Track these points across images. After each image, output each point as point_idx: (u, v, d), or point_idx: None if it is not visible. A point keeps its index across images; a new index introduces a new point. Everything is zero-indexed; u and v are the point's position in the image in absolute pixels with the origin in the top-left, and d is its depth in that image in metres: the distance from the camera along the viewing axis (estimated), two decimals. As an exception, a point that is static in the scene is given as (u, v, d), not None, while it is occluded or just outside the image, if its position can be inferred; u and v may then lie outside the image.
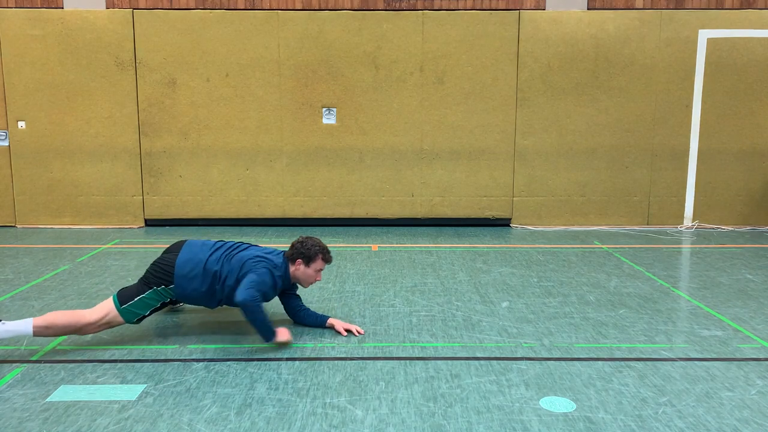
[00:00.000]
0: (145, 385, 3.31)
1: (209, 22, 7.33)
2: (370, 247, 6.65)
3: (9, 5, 7.67)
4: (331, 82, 7.44)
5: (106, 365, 3.57)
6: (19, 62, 7.31)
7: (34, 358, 3.66)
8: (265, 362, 3.61)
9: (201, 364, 3.59)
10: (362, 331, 4.06)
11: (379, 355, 3.72)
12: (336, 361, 3.63)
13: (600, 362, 3.62)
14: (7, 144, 7.46)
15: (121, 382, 3.34)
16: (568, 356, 3.70)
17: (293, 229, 7.56)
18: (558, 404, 3.12)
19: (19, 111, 7.40)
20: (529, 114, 7.52)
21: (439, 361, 3.63)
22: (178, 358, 3.68)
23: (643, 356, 3.72)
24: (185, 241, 4.05)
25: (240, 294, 3.67)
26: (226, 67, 7.39)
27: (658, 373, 3.49)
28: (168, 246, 4.09)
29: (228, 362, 3.60)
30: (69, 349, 3.81)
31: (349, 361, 3.63)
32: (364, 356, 3.71)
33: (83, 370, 3.50)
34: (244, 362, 3.60)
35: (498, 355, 3.72)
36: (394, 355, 3.72)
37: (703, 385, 3.35)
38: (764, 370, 3.53)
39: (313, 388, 3.28)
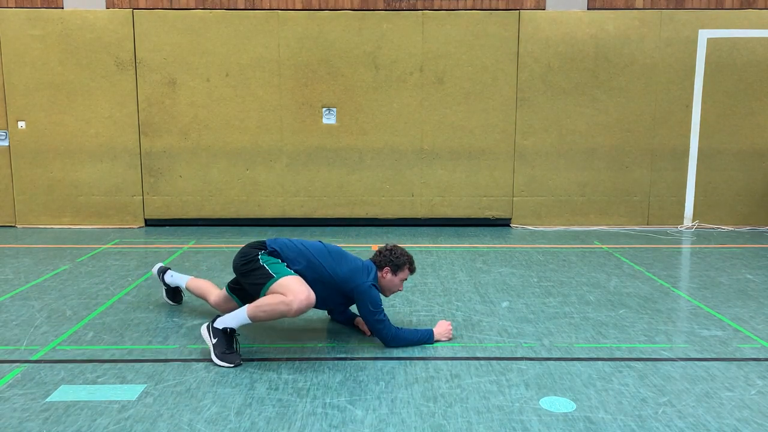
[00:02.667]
0: (145, 385, 3.31)
1: (209, 22, 7.33)
2: (370, 247, 6.65)
3: (9, 5, 7.67)
4: (331, 82, 7.44)
5: (106, 365, 3.57)
6: (19, 62, 7.31)
7: (34, 358, 3.66)
8: (265, 362, 3.61)
9: (201, 364, 3.58)
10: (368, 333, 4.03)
11: (379, 355, 3.72)
12: (336, 361, 3.63)
13: (600, 362, 3.62)
14: (7, 144, 7.46)
15: (121, 382, 3.34)
16: (568, 356, 3.70)
17: (293, 229, 7.56)
18: (558, 404, 3.12)
19: (19, 111, 7.40)
20: (529, 114, 7.52)
21: (439, 361, 3.63)
22: (178, 358, 3.68)
23: (643, 356, 3.72)
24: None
25: (383, 338, 3.76)
26: (226, 67, 7.39)
27: (658, 373, 3.49)
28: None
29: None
30: (69, 349, 3.82)
31: (349, 361, 3.63)
32: (364, 356, 3.71)
33: (83, 370, 3.50)
34: (244, 362, 3.60)
35: (498, 355, 3.72)
36: (394, 355, 3.72)
37: (703, 385, 3.35)
38: (764, 370, 3.53)
39: (313, 388, 3.28)
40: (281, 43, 7.38)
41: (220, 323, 3.59)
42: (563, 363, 3.61)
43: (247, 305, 3.60)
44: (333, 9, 7.67)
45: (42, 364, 3.58)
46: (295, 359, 3.65)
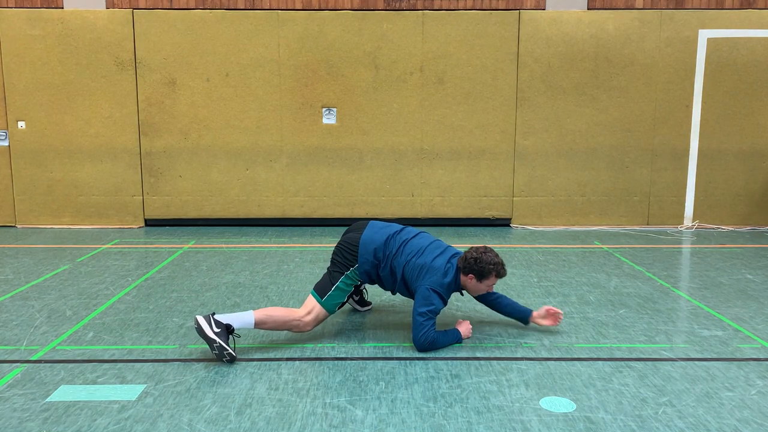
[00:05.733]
0: (145, 385, 3.31)
1: (209, 22, 7.33)
2: (370, 247, 6.64)
3: (9, 5, 7.67)
4: (331, 82, 7.44)
5: (106, 365, 3.57)
6: (19, 62, 7.31)
7: (34, 358, 3.66)
8: (265, 362, 3.61)
9: (201, 364, 3.58)
10: (561, 315, 4.06)
11: (379, 355, 3.72)
12: (336, 361, 3.63)
13: (600, 362, 3.62)
14: (7, 144, 7.46)
15: (121, 382, 3.34)
16: (568, 356, 3.70)
17: (293, 229, 7.56)
18: (558, 404, 3.12)
19: (19, 111, 7.40)
20: (529, 114, 7.52)
21: (439, 361, 3.62)
22: (178, 358, 3.68)
23: (643, 356, 3.72)
24: (369, 221, 4.10)
25: (415, 339, 3.74)
26: (226, 67, 7.39)
27: (658, 373, 3.49)
28: (348, 226, 4.15)
29: (228, 362, 3.60)
30: (69, 349, 3.82)
31: (349, 361, 3.63)
32: (364, 356, 3.71)
33: (83, 370, 3.50)
34: (244, 362, 3.60)
35: (498, 355, 3.72)
36: (394, 355, 3.72)
37: (703, 385, 3.35)
38: (764, 370, 3.53)
39: (313, 388, 3.28)
40: (281, 43, 7.38)
41: (225, 318, 3.63)
42: (563, 363, 3.61)
43: (252, 311, 3.72)
44: (333, 9, 7.67)
45: (42, 364, 3.58)
46: (295, 359, 3.65)
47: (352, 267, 3.92)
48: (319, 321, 3.89)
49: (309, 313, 3.83)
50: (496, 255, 3.81)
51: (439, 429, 2.88)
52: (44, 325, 4.21)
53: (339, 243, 4.02)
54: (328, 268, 4.01)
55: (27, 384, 3.32)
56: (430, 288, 3.74)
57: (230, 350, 3.54)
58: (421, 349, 3.74)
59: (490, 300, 4.15)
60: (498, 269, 3.78)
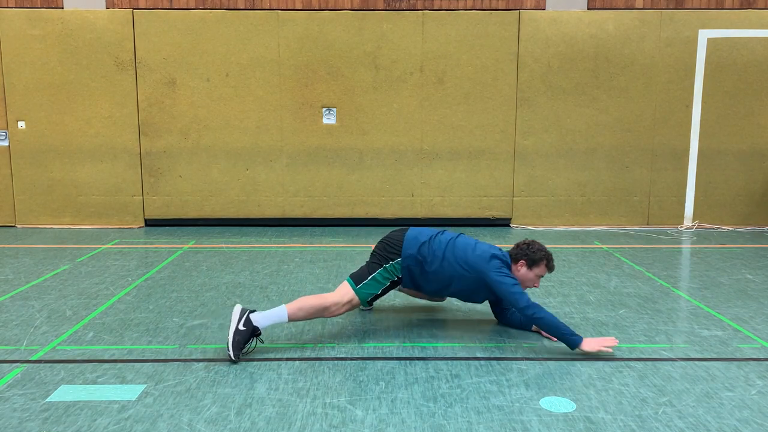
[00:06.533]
0: (145, 385, 3.31)
1: (209, 22, 7.33)
2: (371, 247, 6.64)
3: (9, 5, 7.67)
4: (331, 82, 7.44)
5: (106, 365, 3.57)
6: (19, 62, 7.31)
7: (34, 358, 3.66)
8: (265, 362, 3.60)
9: (201, 364, 3.58)
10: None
11: (379, 355, 3.72)
12: (336, 361, 3.63)
13: (600, 362, 3.62)
14: (7, 144, 7.46)
15: (121, 382, 3.34)
16: (568, 356, 3.70)
17: (293, 229, 7.56)
18: (558, 404, 3.12)
19: (19, 111, 7.40)
20: (529, 114, 7.52)
21: (439, 361, 3.62)
22: (178, 358, 3.68)
23: (643, 356, 3.72)
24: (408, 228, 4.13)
25: (516, 303, 3.68)
26: (226, 67, 7.39)
27: (658, 373, 3.49)
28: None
29: (228, 362, 3.60)
30: (69, 349, 3.82)
31: (349, 361, 3.63)
32: (364, 356, 3.71)
33: (83, 370, 3.50)
34: (244, 362, 3.60)
35: (498, 355, 3.72)
36: (394, 355, 3.72)
37: (703, 385, 3.35)
38: (764, 370, 3.53)
39: (313, 388, 3.28)
40: (281, 43, 7.38)
41: (256, 320, 3.64)
42: (563, 363, 3.61)
43: (285, 306, 3.74)
44: (333, 9, 7.67)
45: (42, 364, 3.58)
46: (295, 359, 3.65)
47: (394, 260, 3.90)
48: (351, 307, 3.88)
49: (342, 297, 3.82)
50: (545, 247, 3.91)
51: (439, 429, 2.88)
52: (44, 325, 4.21)
53: (381, 240, 4.03)
54: (367, 261, 4.00)
55: (27, 384, 3.32)
56: (500, 271, 3.77)
57: (232, 352, 3.55)
58: (528, 318, 3.69)
59: (502, 307, 4.19)
60: (548, 258, 3.87)
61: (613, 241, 6.95)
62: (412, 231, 4.01)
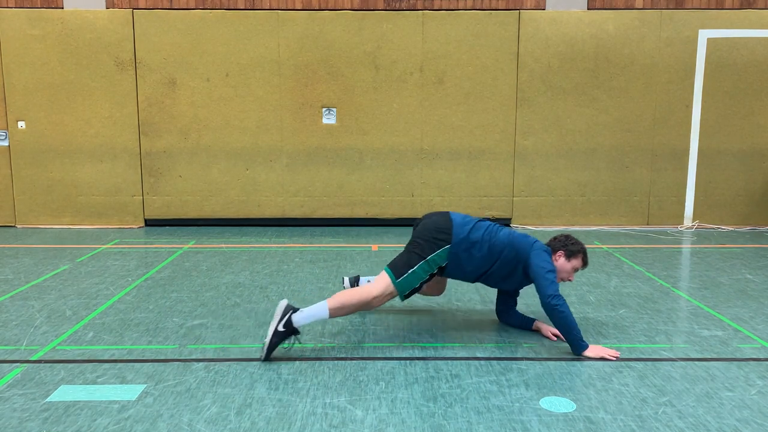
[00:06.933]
0: (145, 385, 3.31)
1: (209, 22, 7.33)
2: (370, 247, 6.65)
3: (9, 5, 7.67)
4: (331, 82, 7.44)
5: (106, 365, 3.57)
6: (19, 62, 7.31)
7: (34, 358, 3.66)
8: (265, 362, 3.60)
9: (201, 364, 3.58)
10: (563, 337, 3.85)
11: (379, 355, 3.72)
12: (336, 361, 3.63)
13: (600, 362, 3.62)
14: (7, 144, 7.46)
15: (121, 382, 3.34)
16: (568, 356, 3.70)
17: (293, 229, 7.56)
18: (558, 404, 3.12)
19: (19, 111, 7.40)
20: (529, 114, 7.52)
21: (439, 361, 3.62)
22: (178, 358, 3.68)
23: (643, 356, 3.72)
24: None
25: (544, 291, 3.63)
26: (226, 67, 7.39)
27: (658, 373, 3.49)
28: (419, 218, 4.09)
29: (228, 362, 3.60)
30: (69, 349, 3.82)
31: (349, 361, 3.63)
32: (364, 356, 3.71)
33: (83, 370, 3.50)
34: (244, 362, 3.60)
35: (498, 355, 3.72)
36: (394, 355, 3.72)
37: (703, 385, 3.35)
38: (764, 370, 3.53)
39: (313, 388, 3.28)
40: (281, 43, 7.38)
41: (298, 321, 3.60)
42: (563, 363, 3.61)
43: (325, 301, 3.69)
44: (333, 9, 7.67)
45: (42, 364, 3.58)
46: (295, 359, 3.65)
47: (442, 247, 3.79)
48: (392, 297, 3.79)
49: (384, 291, 3.72)
50: (581, 242, 3.96)
51: (439, 429, 2.88)
52: (44, 325, 4.21)
53: (423, 227, 3.89)
54: (407, 249, 3.85)
55: (27, 384, 3.32)
56: (541, 254, 3.77)
57: (265, 353, 3.56)
58: (548, 308, 3.61)
59: (509, 305, 4.18)
60: (585, 253, 3.91)
61: (613, 241, 6.95)
62: (457, 216, 3.91)
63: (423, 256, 3.78)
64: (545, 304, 3.62)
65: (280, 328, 3.57)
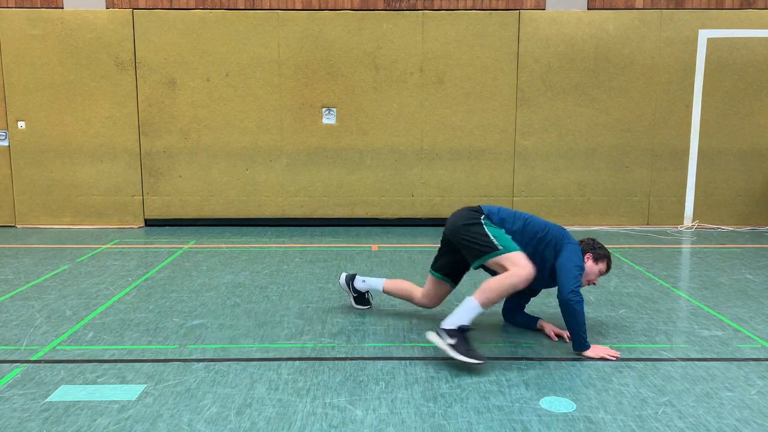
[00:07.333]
0: (145, 385, 3.31)
1: (209, 22, 7.33)
2: (370, 247, 6.65)
3: (9, 5, 7.67)
4: (331, 82, 7.44)
5: (106, 365, 3.57)
6: (19, 62, 7.31)
7: (34, 358, 3.66)
8: (265, 362, 3.61)
9: (201, 364, 3.59)
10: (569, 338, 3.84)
11: (379, 355, 3.72)
12: (336, 361, 3.63)
13: (600, 362, 3.62)
14: (7, 144, 7.46)
15: (121, 382, 3.34)
16: (568, 356, 3.70)
17: (293, 229, 7.56)
18: (558, 404, 3.12)
19: (19, 111, 7.40)
20: (529, 114, 7.52)
21: (439, 361, 3.62)
22: (178, 358, 3.68)
23: (643, 356, 3.72)
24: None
25: (567, 285, 3.57)
26: (226, 67, 7.40)
27: (658, 373, 3.49)
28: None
29: (228, 362, 3.60)
30: (69, 349, 3.82)
31: (349, 361, 3.63)
32: (364, 356, 3.71)
33: (83, 370, 3.50)
34: (244, 362, 3.60)
35: (498, 355, 3.72)
36: (394, 355, 3.72)
37: (703, 385, 3.35)
38: (764, 370, 3.53)
39: (313, 388, 3.28)
40: (281, 43, 7.38)
41: (451, 323, 3.52)
42: (563, 363, 3.61)
43: (470, 297, 3.55)
44: (333, 9, 7.67)
45: (42, 364, 3.58)
46: (295, 359, 3.65)
47: (480, 217, 3.74)
48: (526, 266, 3.55)
49: (525, 265, 3.54)
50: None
51: (439, 429, 2.88)
52: (44, 325, 4.21)
53: (452, 222, 3.86)
54: (462, 240, 3.76)
55: (27, 384, 3.32)
56: (575, 250, 3.75)
57: (473, 360, 3.41)
58: (565, 301, 3.55)
59: (520, 304, 4.17)
60: (610, 258, 3.91)
61: (613, 241, 6.95)
62: (486, 206, 3.88)
63: (479, 222, 3.73)
64: (564, 297, 3.56)
65: (450, 341, 3.46)
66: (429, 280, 4.20)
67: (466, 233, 3.76)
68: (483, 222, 3.75)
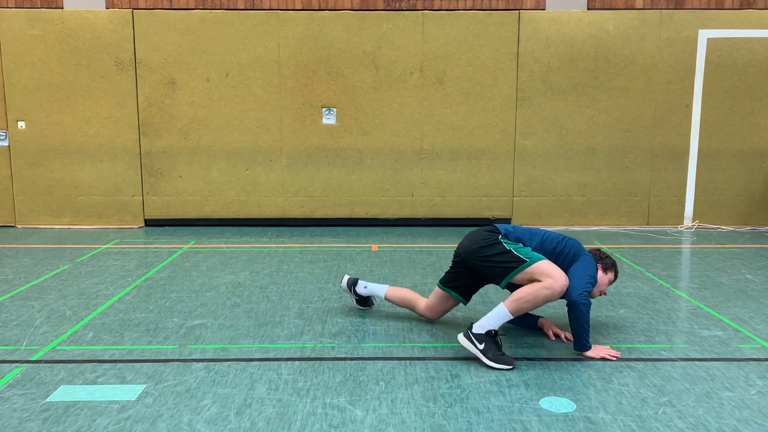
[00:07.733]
0: (145, 385, 3.31)
1: (209, 22, 7.33)
2: (370, 247, 6.65)
3: (9, 5, 7.67)
4: (331, 82, 7.44)
5: (106, 365, 3.57)
6: (19, 62, 7.31)
7: (34, 358, 3.66)
8: (265, 362, 3.61)
9: (201, 364, 3.59)
10: (571, 338, 3.83)
11: (379, 355, 3.72)
12: (336, 361, 3.63)
13: (600, 362, 3.62)
14: (7, 144, 7.46)
15: (121, 382, 3.34)
16: (568, 356, 3.70)
17: (293, 229, 7.56)
18: (558, 404, 3.12)
19: (19, 111, 7.40)
20: (529, 114, 7.52)
21: (439, 361, 3.62)
22: (178, 358, 3.68)
23: (643, 356, 3.72)
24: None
25: (577, 287, 3.56)
26: (226, 67, 7.39)
27: (658, 373, 3.49)
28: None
29: (228, 362, 3.60)
30: (69, 349, 3.82)
31: (349, 361, 3.63)
32: (364, 356, 3.71)
33: (83, 370, 3.50)
34: (244, 362, 3.60)
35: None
36: (394, 355, 3.72)
37: (703, 385, 3.35)
38: (764, 370, 3.53)
39: (313, 388, 3.28)
40: (281, 43, 7.38)
41: (480, 327, 3.54)
42: (563, 363, 3.61)
43: (503, 303, 3.56)
44: (333, 9, 7.67)
45: (42, 364, 3.58)
46: (295, 359, 3.65)
47: (496, 237, 3.75)
48: (558, 275, 3.54)
49: (557, 276, 3.52)
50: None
51: (439, 429, 2.88)
52: (44, 325, 4.21)
53: (467, 242, 3.87)
54: (480, 262, 3.77)
55: (27, 384, 3.32)
56: (590, 260, 3.79)
57: (502, 365, 3.48)
58: (574, 301, 3.53)
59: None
60: (616, 267, 3.98)
61: (613, 241, 6.95)
62: (503, 226, 3.91)
63: (498, 241, 3.73)
64: (573, 298, 3.54)
65: (480, 347, 3.51)
66: (436, 293, 4.17)
67: (485, 254, 3.76)
68: (501, 240, 3.76)
